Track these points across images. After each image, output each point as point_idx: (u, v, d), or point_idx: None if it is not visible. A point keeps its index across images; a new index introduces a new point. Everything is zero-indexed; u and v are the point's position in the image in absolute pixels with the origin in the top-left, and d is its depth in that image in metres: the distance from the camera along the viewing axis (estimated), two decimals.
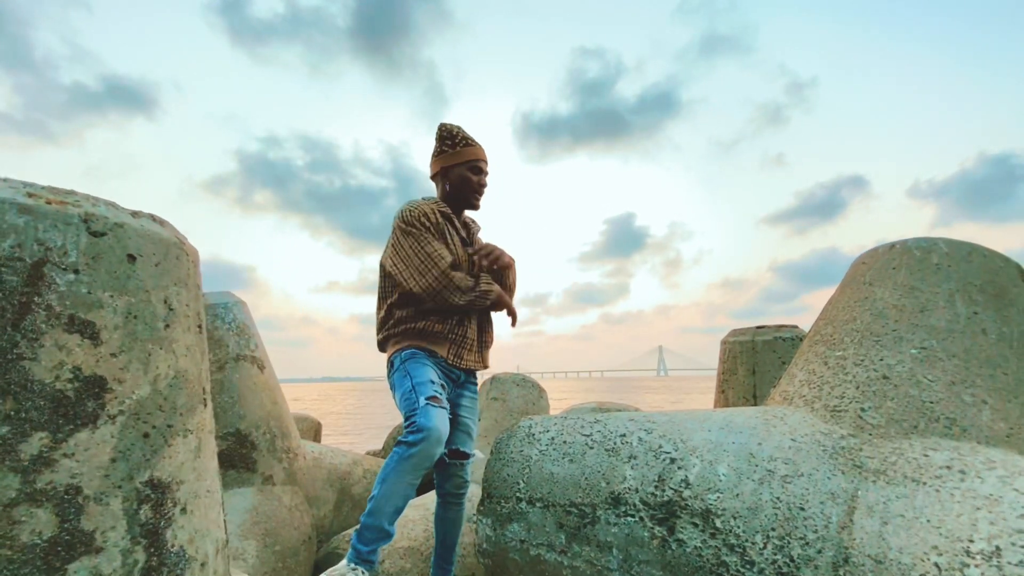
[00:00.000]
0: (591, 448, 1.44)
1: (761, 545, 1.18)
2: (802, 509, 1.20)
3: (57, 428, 0.85)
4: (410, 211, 1.76)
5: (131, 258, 1.00)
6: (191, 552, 1.01)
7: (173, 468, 1.00)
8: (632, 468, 1.36)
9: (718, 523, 1.23)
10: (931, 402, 1.31)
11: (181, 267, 1.12)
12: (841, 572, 1.10)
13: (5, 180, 0.96)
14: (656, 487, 1.31)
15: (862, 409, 1.37)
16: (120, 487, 0.90)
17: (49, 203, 0.93)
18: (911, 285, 1.60)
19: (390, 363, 1.77)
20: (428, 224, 1.76)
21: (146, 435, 0.96)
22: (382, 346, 1.84)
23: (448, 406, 1.58)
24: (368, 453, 4.27)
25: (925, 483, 1.13)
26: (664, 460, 1.35)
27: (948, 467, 1.14)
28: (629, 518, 1.30)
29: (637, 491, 1.32)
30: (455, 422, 1.78)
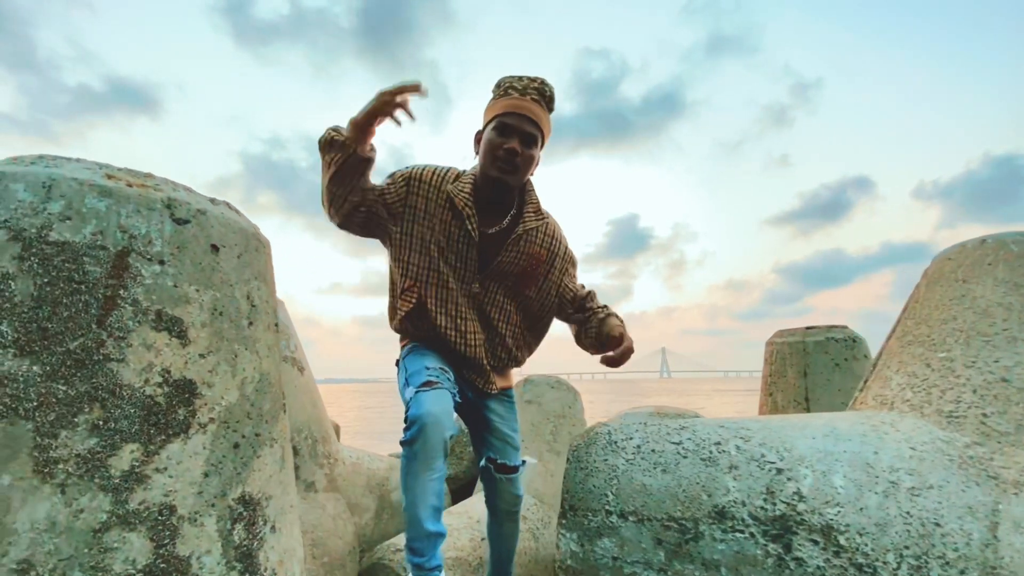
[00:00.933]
0: (684, 457, 1.33)
1: (895, 565, 1.07)
2: (938, 525, 1.10)
3: (149, 439, 0.75)
4: (412, 166, 1.45)
5: (215, 248, 0.91)
6: (281, 574, 0.91)
7: (262, 482, 0.90)
8: (735, 479, 1.26)
9: (842, 540, 1.12)
10: None
11: (260, 259, 1.02)
12: None
13: (79, 160, 0.86)
14: (765, 500, 1.20)
15: (984, 415, 1.26)
16: (214, 505, 0.80)
17: (131, 186, 0.84)
18: (1014, 282, 1.49)
19: (396, 363, 1.53)
20: (400, 177, 1.40)
21: (236, 445, 0.86)
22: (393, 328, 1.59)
23: (454, 388, 1.34)
24: (397, 454, 4.16)
25: None
26: (770, 470, 1.25)
27: None
28: (738, 534, 1.19)
29: (744, 504, 1.21)
30: (488, 429, 1.56)
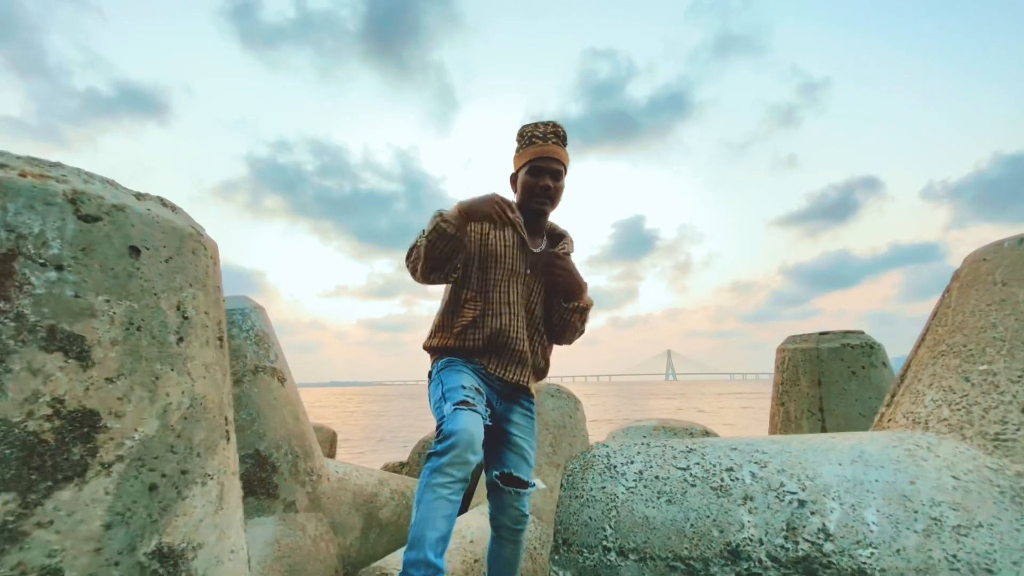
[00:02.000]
0: (692, 486, 1.18)
1: None
2: (990, 572, 0.93)
3: (29, 487, 0.60)
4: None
5: (134, 251, 0.76)
6: None
7: (188, 529, 0.75)
8: (751, 513, 1.10)
9: None
10: None
11: (199, 264, 0.88)
12: None
13: None
14: (786, 538, 1.05)
15: None
16: (117, 564, 0.65)
17: (24, 176, 0.69)
18: None
19: (428, 374, 1.65)
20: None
21: (153, 487, 0.71)
22: (428, 351, 1.73)
23: (485, 413, 1.44)
24: (390, 465, 4.01)
25: None
26: (791, 503, 1.09)
27: None
28: None
29: (761, 543, 1.06)
30: (505, 441, 1.62)
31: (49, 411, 0.63)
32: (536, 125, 1.68)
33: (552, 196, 1.65)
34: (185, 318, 0.82)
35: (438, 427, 1.35)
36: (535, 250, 1.68)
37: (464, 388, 1.44)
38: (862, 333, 2.80)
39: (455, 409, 1.35)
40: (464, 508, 3.25)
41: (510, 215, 1.50)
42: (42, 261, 0.67)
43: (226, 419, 0.90)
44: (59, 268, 0.68)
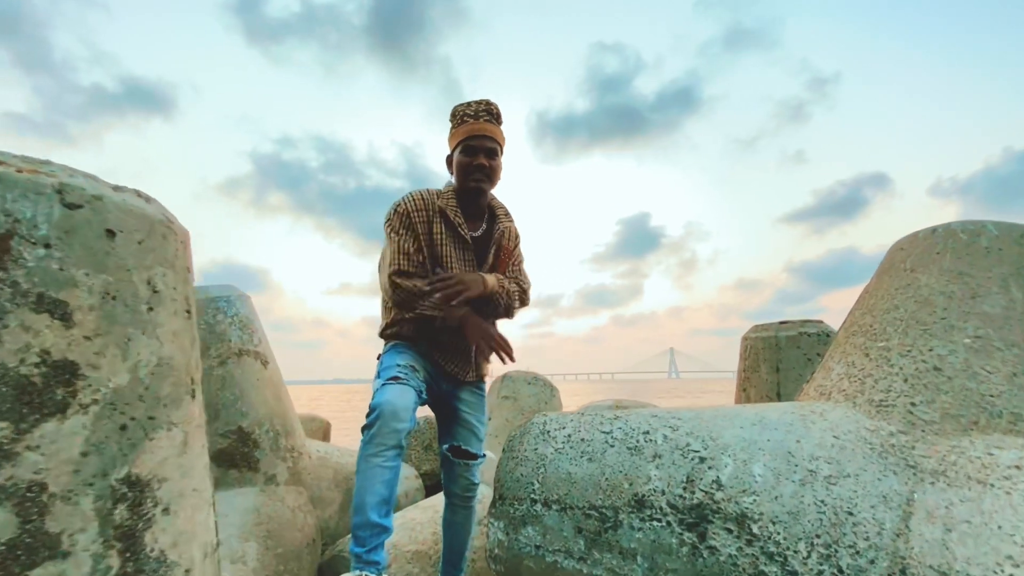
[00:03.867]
0: (611, 446, 1.33)
1: (805, 554, 1.06)
2: (851, 514, 1.08)
3: (20, 418, 0.76)
4: (398, 201, 1.66)
5: (110, 234, 0.92)
6: (174, 557, 0.92)
7: (154, 464, 0.91)
8: (657, 468, 1.25)
9: (755, 528, 1.11)
10: (991, 395, 1.19)
11: (168, 246, 1.03)
12: None
13: None
14: (685, 489, 1.20)
15: (912, 404, 1.25)
16: (92, 484, 0.81)
17: (20, 171, 0.85)
18: (959, 270, 1.47)
19: (378, 358, 1.72)
20: (399, 217, 1.62)
21: (123, 427, 0.87)
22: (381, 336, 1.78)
23: (420, 386, 1.51)
24: None
25: (992, 485, 1.00)
26: (692, 459, 1.24)
27: (1018, 467, 1.02)
28: (655, 522, 1.18)
29: (664, 493, 1.21)
30: (455, 418, 1.71)
31: (37, 360, 0.79)
32: (468, 104, 1.67)
33: (489, 174, 1.66)
34: (155, 291, 0.98)
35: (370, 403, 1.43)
36: (474, 233, 1.70)
37: (399, 366, 1.50)
38: (821, 322, 2.94)
39: (383, 385, 1.42)
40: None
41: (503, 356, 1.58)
42: (33, 240, 0.82)
43: (192, 379, 1.06)
44: (47, 246, 0.84)
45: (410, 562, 2.07)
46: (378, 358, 1.70)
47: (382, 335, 1.74)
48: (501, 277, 1.71)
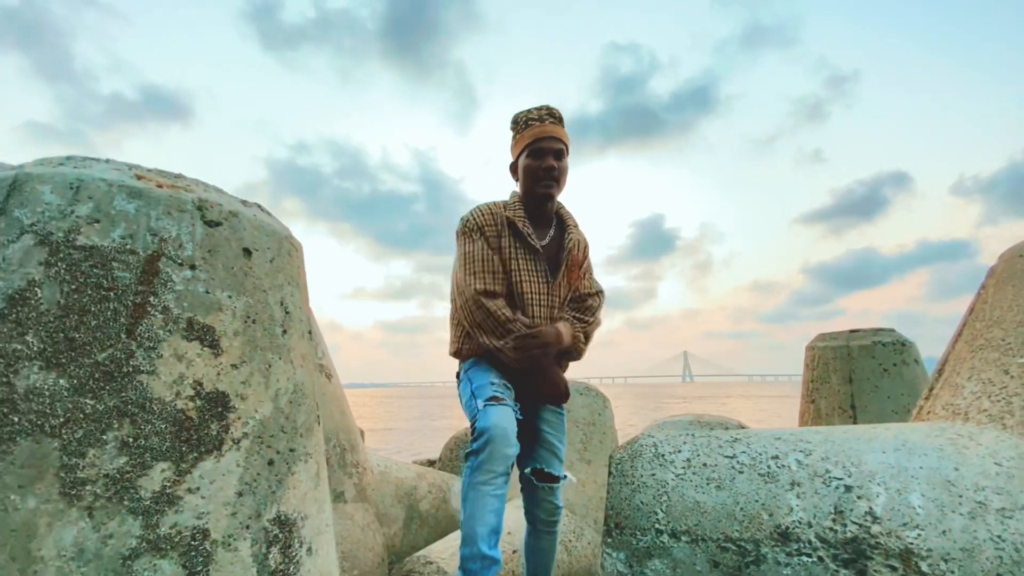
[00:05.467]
0: (740, 472, 1.24)
1: None
2: None
3: (181, 457, 0.69)
4: (466, 215, 1.60)
5: (247, 252, 0.86)
6: None
7: (297, 500, 0.84)
8: (798, 498, 1.16)
9: (924, 567, 1.01)
10: None
11: (293, 264, 0.97)
12: None
13: (108, 161, 0.82)
14: (834, 520, 1.10)
15: None
16: (248, 527, 0.74)
17: (161, 187, 0.79)
18: None
19: (457, 375, 1.67)
20: (474, 231, 1.57)
21: (271, 462, 0.80)
22: (457, 357, 1.72)
23: (516, 406, 1.45)
24: (419, 463, 4.11)
25: None
26: (837, 488, 1.15)
27: None
28: (804, 557, 1.09)
29: (810, 525, 1.12)
30: (537, 438, 1.64)
31: (192, 392, 0.73)
32: (530, 110, 1.63)
33: (557, 177, 1.60)
34: (287, 312, 0.91)
35: (472, 425, 1.38)
36: (543, 242, 1.65)
37: (493, 384, 1.45)
38: (893, 331, 2.82)
39: (485, 405, 1.36)
40: None
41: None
42: (180, 261, 0.76)
43: (316, 405, 0.99)
44: (192, 267, 0.77)
45: None
46: (457, 375, 1.64)
47: (458, 353, 1.66)
48: (577, 326, 1.64)
